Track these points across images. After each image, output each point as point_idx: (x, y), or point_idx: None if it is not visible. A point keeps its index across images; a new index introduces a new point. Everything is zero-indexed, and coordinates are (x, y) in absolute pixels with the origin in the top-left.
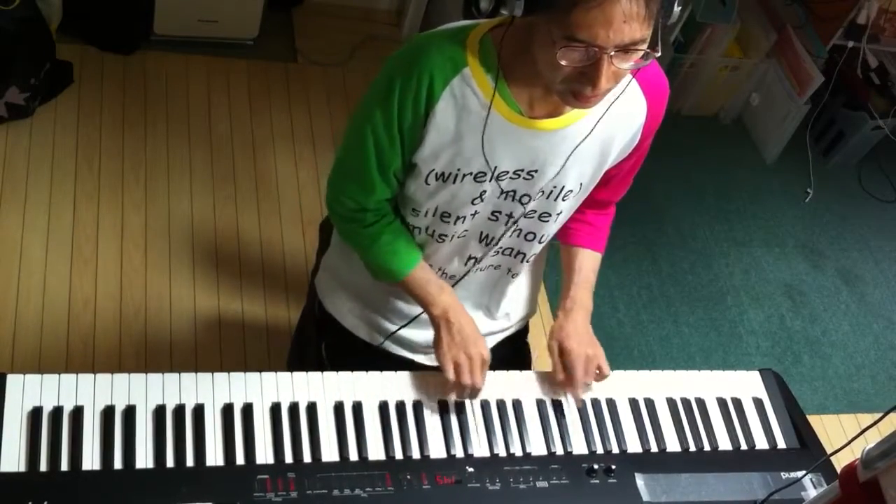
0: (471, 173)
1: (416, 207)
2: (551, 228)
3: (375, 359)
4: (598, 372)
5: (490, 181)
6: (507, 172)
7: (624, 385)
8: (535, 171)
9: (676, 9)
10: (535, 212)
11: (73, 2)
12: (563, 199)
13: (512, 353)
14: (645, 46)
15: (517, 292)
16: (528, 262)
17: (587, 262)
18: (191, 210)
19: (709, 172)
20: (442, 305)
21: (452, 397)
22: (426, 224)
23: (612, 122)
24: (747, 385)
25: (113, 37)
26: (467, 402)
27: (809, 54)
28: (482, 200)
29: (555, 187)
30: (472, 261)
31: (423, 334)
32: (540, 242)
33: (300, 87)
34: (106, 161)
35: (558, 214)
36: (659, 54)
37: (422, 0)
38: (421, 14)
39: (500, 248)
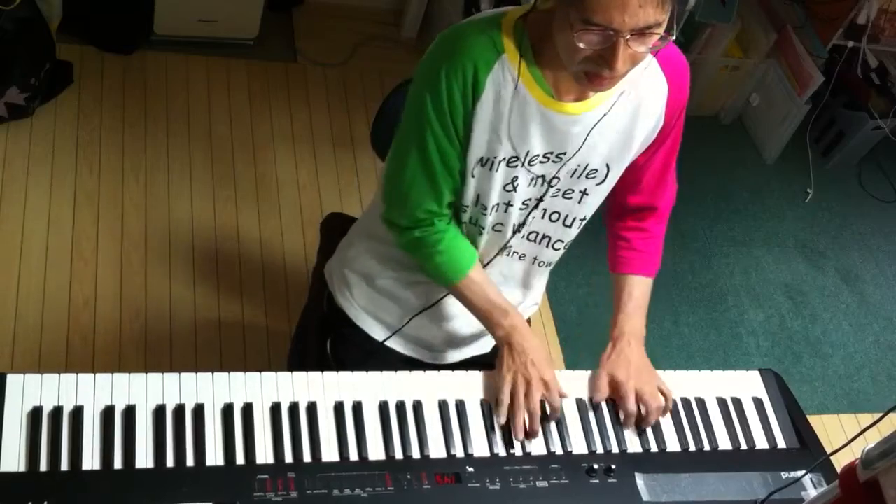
0: (504, 158)
1: (460, 200)
2: (576, 209)
3: (380, 356)
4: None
5: (522, 166)
6: (538, 156)
7: None
8: (564, 154)
9: None
10: (559, 190)
11: (73, 2)
12: (588, 178)
13: None
14: (661, 30)
15: (539, 286)
16: (554, 248)
17: (637, 289)
18: (191, 210)
19: (709, 172)
20: (505, 328)
21: (502, 420)
22: (469, 216)
23: (635, 101)
24: (747, 385)
25: (113, 37)
26: (467, 401)
27: (809, 54)
28: (514, 189)
29: (579, 165)
30: (506, 249)
31: (432, 333)
32: (566, 225)
33: (300, 87)
34: (106, 161)
35: (582, 192)
36: (674, 37)
37: (422, 0)
38: (421, 14)
39: (527, 231)
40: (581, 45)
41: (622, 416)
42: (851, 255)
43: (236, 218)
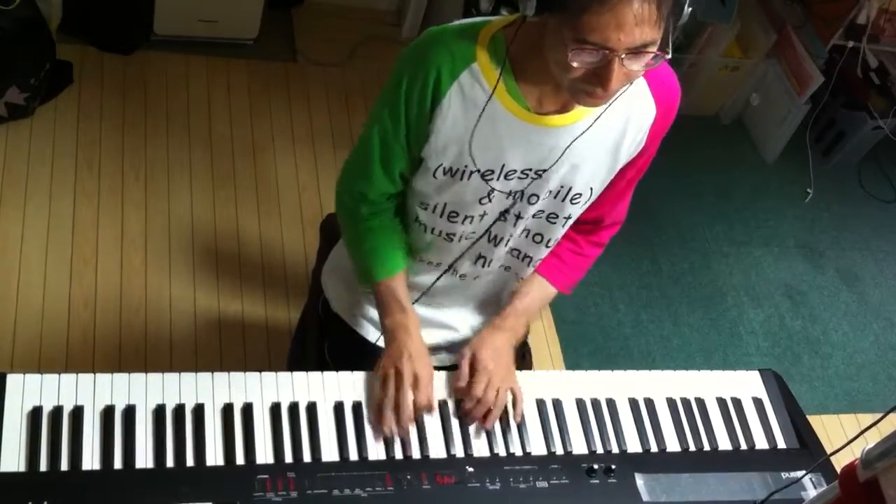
0: (478, 170)
1: (425, 201)
2: (558, 232)
3: (377, 357)
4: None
5: (498, 179)
6: (515, 171)
7: (624, 385)
8: (543, 171)
9: (687, 10)
10: (542, 212)
11: (73, 2)
12: (572, 203)
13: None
14: (655, 48)
15: None
16: (533, 266)
17: (536, 292)
18: (191, 210)
19: (709, 172)
20: (395, 323)
21: (372, 414)
22: (434, 223)
23: (621, 122)
24: (747, 385)
25: (113, 37)
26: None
27: (809, 54)
28: (490, 200)
29: (562, 187)
30: (482, 260)
31: (428, 335)
32: (547, 246)
33: (300, 87)
34: (106, 161)
35: (566, 218)
36: (669, 56)
37: (422, 0)
38: (421, 14)
39: (509, 248)
40: (575, 64)
41: (465, 402)
42: (851, 255)
43: (236, 218)
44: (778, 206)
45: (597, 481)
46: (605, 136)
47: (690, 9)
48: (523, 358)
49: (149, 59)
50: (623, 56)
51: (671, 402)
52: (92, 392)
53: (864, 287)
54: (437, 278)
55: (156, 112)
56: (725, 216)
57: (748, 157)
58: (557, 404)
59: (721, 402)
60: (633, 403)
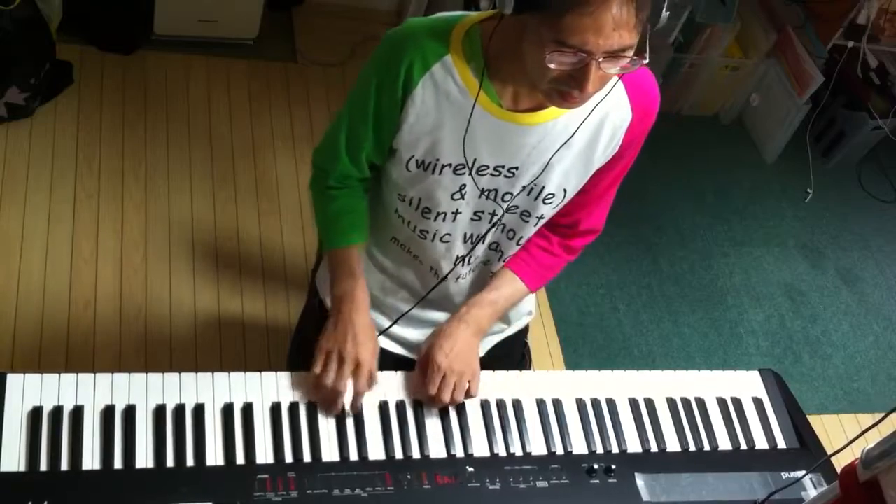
0: (450, 164)
1: (402, 193)
2: (530, 231)
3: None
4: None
5: (469, 175)
6: (488, 168)
7: (624, 385)
8: (516, 168)
9: (665, 13)
10: (517, 208)
11: (73, 2)
12: (545, 202)
13: (511, 353)
14: (632, 53)
15: None
16: (503, 261)
17: (506, 287)
18: (191, 210)
19: (709, 172)
20: (342, 291)
21: (314, 397)
22: (410, 217)
23: (595, 125)
24: (747, 385)
25: (113, 37)
26: (467, 401)
27: (809, 54)
28: (462, 198)
29: (535, 185)
30: (461, 260)
31: (418, 333)
32: (517, 244)
33: (300, 87)
34: (106, 161)
35: (538, 217)
36: (647, 61)
37: (422, 0)
38: (421, 14)
39: (487, 243)
40: (552, 66)
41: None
42: (851, 255)
43: (236, 218)
44: (778, 206)
45: (597, 481)
46: (579, 137)
47: (668, 13)
48: (523, 358)
49: (149, 59)
50: (600, 59)
51: (671, 402)
52: (92, 392)
53: (864, 287)
54: (433, 286)
55: (156, 112)
56: (725, 216)
57: (748, 157)
58: (557, 404)
59: (721, 402)
60: (633, 403)
